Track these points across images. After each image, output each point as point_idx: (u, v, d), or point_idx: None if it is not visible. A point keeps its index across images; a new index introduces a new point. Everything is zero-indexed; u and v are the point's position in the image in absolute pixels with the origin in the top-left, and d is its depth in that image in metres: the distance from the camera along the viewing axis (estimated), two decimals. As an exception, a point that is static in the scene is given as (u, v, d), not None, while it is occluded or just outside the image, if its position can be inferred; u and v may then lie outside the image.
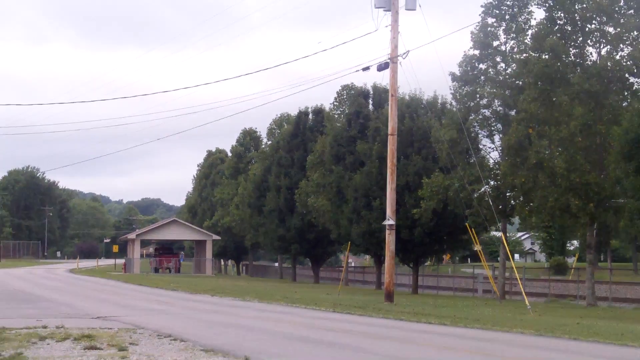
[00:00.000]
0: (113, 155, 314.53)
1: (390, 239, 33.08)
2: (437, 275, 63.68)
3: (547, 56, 37.38)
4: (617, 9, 36.64)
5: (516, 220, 56.55)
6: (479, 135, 45.73)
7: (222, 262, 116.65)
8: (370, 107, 59.03)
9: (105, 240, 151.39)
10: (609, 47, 37.15)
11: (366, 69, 34.58)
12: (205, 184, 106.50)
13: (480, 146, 45.96)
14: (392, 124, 33.59)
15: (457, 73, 44.64)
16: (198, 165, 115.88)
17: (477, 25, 44.04)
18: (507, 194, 43.69)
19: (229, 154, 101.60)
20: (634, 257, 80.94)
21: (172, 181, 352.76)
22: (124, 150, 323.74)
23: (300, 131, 70.33)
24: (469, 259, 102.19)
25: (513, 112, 42.42)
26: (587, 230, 39.36)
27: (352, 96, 63.96)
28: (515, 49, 43.16)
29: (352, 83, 69.48)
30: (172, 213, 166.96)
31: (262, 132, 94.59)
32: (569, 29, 37.44)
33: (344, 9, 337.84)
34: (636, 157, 29.54)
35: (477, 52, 44.13)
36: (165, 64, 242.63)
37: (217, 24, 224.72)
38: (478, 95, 44.28)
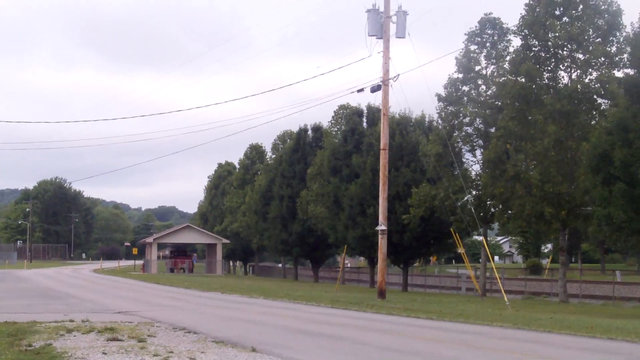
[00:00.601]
0: (133, 167, 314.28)
1: (382, 242, 33.10)
2: (424, 275, 63.62)
3: (523, 79, 37.52)
4: (586, 37, 36.76)
5: (496, 225, 56.52)
6: (462, 150, 45.79)
7: (231, 263, 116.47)
8: (364, 124, 59.15)
9: (125, 244, 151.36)
10: (578, 71, 37.26)
11: (360, 90, 34.68)
12: (216, 193, 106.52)
13: (464, 160, 46.06)
14: (384, 140, 33.66)
15: (443, 94, 44.75)
16: (209, 177, 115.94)
17: (461, 52, 44.20)
18: (488, 203, 43.69)
19: (237, 167, 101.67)
20: (602, 259, 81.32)
21: (186, 191, 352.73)
22: (142, 163, 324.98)
23: (301, 146, 70.44)
24: (453, 261, 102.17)
25: (493, 130, 42.49)
26: (559, 235, 39.41)
27: (348, 115, 64.02)
28: (495, 73, 43.29)
29: (348, 103, 69.58)
30: (185, 219, 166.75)
31: (267, 147, 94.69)
32: (543, 55, 37.57)
33: (340, 36, 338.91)
34: (603, 170, 29.58)
35: (460, 75, 44.25)
36: (180, 85, 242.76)
37: (227, 50, 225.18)
38: (461, 114, 44.38)
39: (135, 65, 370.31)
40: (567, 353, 13.51)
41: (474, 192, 43.51)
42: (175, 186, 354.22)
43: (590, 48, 36.52)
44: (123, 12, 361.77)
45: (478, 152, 45.11)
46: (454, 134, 44.26)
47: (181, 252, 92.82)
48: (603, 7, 36.89)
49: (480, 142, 44.59)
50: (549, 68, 37.81)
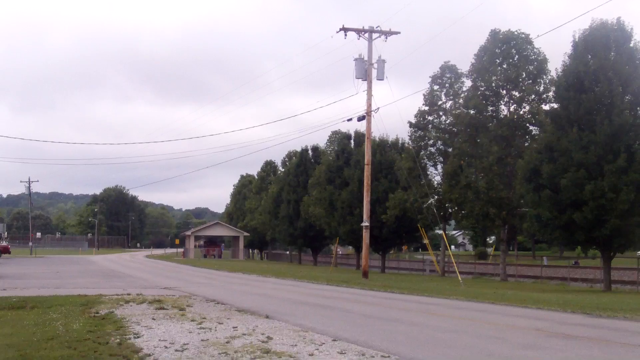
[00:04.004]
0: (176, 177, 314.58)
1: (366, 235, 33.11)
2: (398, 260, 63.63)
3: (473, 112, 37.68)
4: (520, 79, 36.98)
5: (452, 222, 56.48)
6: (427, 165, 45.95)
7: (250, 251, 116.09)
8: (352, 145, 59.20)
9: (170, 236, 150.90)
10: (515, 105, 37.45)
11: (349, 119, 34.82)
12: (239, 197, 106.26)
13: (428, 172, 46.19)
14: (367, 157, 33.71)
15: (413, 122, 44.93)
16: (234, 185, 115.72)
17: (427, 90, 44.47)
18: (446, 205, 43.79)
19: (256, 177, 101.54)
20: (533, 247, 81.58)
21: (216, 195, 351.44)
22: (183, 175, 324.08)
23: (303, 162, 70.39)
24: (420, 249, 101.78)
25: (450, 149, 42.63)
26: (501, 229, 39.47)
27: (339, 138, 64.11)
28: (452, 107, 43.50)
29: (339, 129, 70.15)
30: (216, 217, 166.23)
31: (278, 163, 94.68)
32: (488, 93, 37.77)
33: (335, 78, 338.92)
34: (534, 180, 29.62)
35: (426, 108, 44.47)
36: (212, 115, 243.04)
37: (249, 88, 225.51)
38: (427, 138, 44.56)
39: (179, 100, 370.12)
40: (506, 319, 13.50)
41: (436, 197, 43.60)
42: (208, 192, 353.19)
43: (524, 88, 36.74)
44: (170, 59, 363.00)
45: (439, 167, 45.34)
46: (421, 153, 44.41)
47: (212, 243, 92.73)
48: (532, 56, 37.17)
49: (441, 159, 44.77)
50: (493, 103, 38.00)
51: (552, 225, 28.76)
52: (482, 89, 37.81)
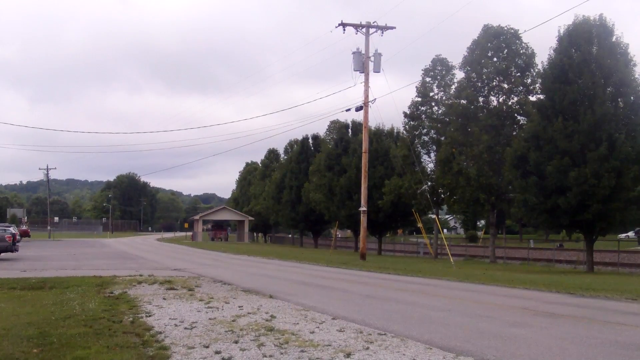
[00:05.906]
0: (185, 165, 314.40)
1: (363, 219, 33.13)
2: (393, 242, 63.65)
3: (464, 102, 37.53)
4: (509, 72, 36.79)
5: (445, 207, 56.46)
6: (421, 153, 45.86)
7: (255, 234, 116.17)
8: (350, 134, 59.08)
9: (179, 220, 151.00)
10: (504, 96, 37.27)
11: (348, 110, 34.73)
12: (244, 183, 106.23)
13: (422, 160, 46.09)
14: (364, 146, 33.66)
15: (407, 112, 44.78)
16: (239, 172, 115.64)
17: (419, 82, 44.26)
18: (439, 191, 43.77)
19: (260, 165, 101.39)
20: (520, 231, 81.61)
21: (223, 181, 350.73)
22: (192, 162, 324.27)
23: (305, 150, 70.31)
24: (414, 232, 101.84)
25: (443, 138, 42.54)
26: (490, 214, 39.47)
27: (338, 127, 63.92)
28: (444, 97, 43.32)
29: (338, 119, 69.66)
30: (223, 202, 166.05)
31: (281, 151, 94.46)
32: (479, 84, 37.59)
33: (334, 71, 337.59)
34: (521, 167, 29.58)
35: (419, 99, 44.29)
36: (218, 105, 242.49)
37: (253, 80, 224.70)
38: (420, 127, 44.42)
39: (187, 91, 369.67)
40: (495, 298, 13.54)
41: (429, 183, 43.57)
42: (215, 178, 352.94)
43: (512, 80, 36.59)
44: (178, 53, 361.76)
45: (432, 154, 45.20)
46: (415, 141, 44.31)
47: (219, 226, 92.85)
48: (522, 51, 36.98)
49: (434, 147, 44.66)
50: (483, 94, 37.84)
51: (538, 209, 28.76)
52: (474, 80, 37.64)
